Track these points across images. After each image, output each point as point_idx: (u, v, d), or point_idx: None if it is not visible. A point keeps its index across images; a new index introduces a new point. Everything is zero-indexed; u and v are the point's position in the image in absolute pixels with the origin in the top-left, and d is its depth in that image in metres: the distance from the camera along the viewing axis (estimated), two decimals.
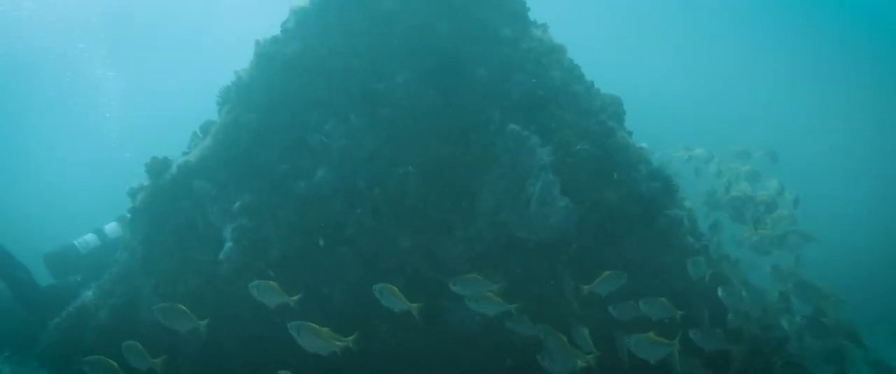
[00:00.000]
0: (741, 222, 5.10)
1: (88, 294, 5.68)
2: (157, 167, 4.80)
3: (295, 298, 4.15)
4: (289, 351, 4.83)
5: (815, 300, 4.93)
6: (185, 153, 5.05)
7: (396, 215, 4.78)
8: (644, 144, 5.17)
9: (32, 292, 5.76)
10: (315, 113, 4.70)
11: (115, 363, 4.06)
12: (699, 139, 7.57)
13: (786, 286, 5.10)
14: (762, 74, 21.80)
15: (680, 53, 23.25)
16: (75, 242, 6.38)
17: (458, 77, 4.75)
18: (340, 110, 4.68)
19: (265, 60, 4.73)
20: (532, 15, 5.13)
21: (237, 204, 4.55)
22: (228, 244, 4.49)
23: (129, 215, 5.10)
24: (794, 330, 5.00)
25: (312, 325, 4.03)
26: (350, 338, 4.07)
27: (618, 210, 4.53)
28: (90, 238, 6.39)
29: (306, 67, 4.70)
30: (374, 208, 4.76)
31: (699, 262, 4.49)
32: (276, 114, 4.73)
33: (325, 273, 4.84)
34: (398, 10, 4.67)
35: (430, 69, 4.75)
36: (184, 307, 4.05)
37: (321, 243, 4.74)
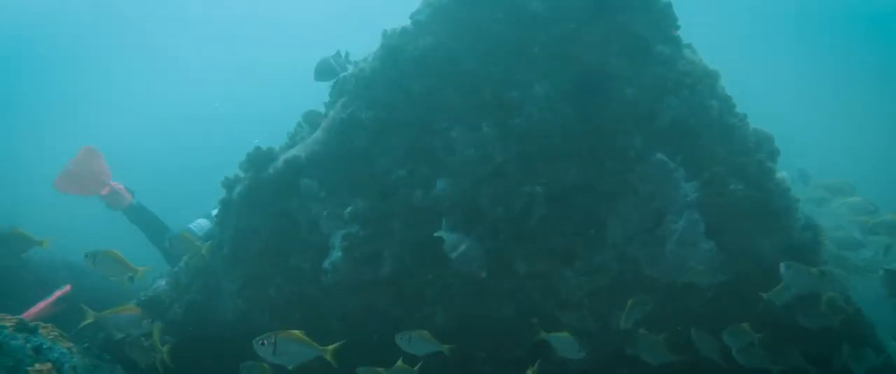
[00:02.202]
0: None
1: (161, 283, 5.29)
2: (260, 159, 4.36)
3: None
4: None
5: None
6: (287, 144, 4.62)
7: (516, 238, 4.36)
8: None
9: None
10: (441, 117, 4.26)
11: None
12: None
13: None
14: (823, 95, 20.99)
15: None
16: (190, 226, 6.18)
17: (602, 94, 4.30)
18: (470, 117, 4.23)
19: (391, 54, 4.27)
20: None
21: (348, 210, 4.12)
22: (337, 254, 4.06)
23: (220, 206, 4.69)
24: None
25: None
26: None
27: (769, 261, 4.08)
28: (203, 222, 6.18)
29: (437, 66, 4.24)
30: (493, 228, 4.33)
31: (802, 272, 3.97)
32: (398, 114, 4.28)
33: (430, 291, 4.43)
34: (546, 15, 4.20)
35: (571, 82, 4.30)
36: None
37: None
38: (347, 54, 5.22)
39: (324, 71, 5.12)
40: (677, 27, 4.52)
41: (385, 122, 4.26)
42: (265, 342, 3.33)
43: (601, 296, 4.40)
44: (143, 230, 6.82)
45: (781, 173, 4.28)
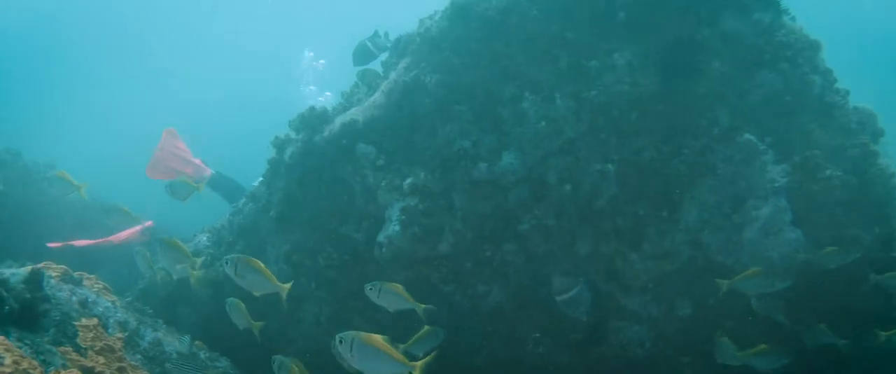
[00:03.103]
0: None
1: (202, 238, 5.15)
2: (315, 120, 4.10)
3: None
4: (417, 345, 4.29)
5: None
6: (342, 105, 4.33)
7: (581, 217, 4.09)
8: None
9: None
10: (511, 85, 3.93)
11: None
12: None
13: None
14: None
15: None
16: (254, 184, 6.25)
17: (687, 66, 3.92)
18: (543, 87, 3.90)
19: (460, 13, 3.92)
20: None
21: (408, 181, 3.86)
22: (394, 228, 3.83)
23: (268, 166, 4.48)
24: None
25: None
26: None
27: (865, 254, 3.76)
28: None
29: (509, 29, 3.89)
30: (558, 206, 4.06)
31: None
32: (465, 79, 3.96)
33: (487, 269, 4.21)
34: None
35: (654, 52, 3.92)
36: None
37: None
38: (387, 35, 4.95)
39: (362, 55, 4.89)
40: None
41: (450, 87, 3.95)
42: (230, 261, 3.27)
43: (667, 282, 4.14)
44: (225, 196, 7.01)
45: (884, 158, 3.90)
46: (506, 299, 4.27)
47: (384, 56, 4.67)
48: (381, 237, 3.91)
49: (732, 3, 3.85)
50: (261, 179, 4.72)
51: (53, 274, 3.73)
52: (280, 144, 4.30)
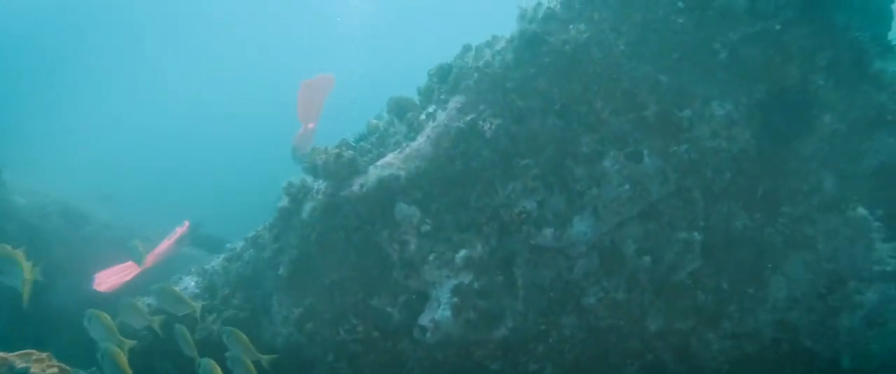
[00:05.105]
0: None
1: (190, 284, 4.31)
2: (343, 170, 3.29)
3: None
4: None
5: None
6: (376, 147, 3.52)
7: (656, 291, 3.48)
8: None
9: None
10: (588, 137, 3.22)
11: None
12: None
13: None
14: None
15: None
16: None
17: (794, 120, 3.30)
18: (627, 140, 3.21)
19: (530, 45, 3.16)
20: None
21: (461, 254, 3.13)
22: (445, 312, 3.11)
23: (277, 214, 3.65)
24: None
25: None
26: None
27: None
28: None
29: (589, 66, 3.17)
30: (632, 278, 3.43)
31: None
32: (532, 127, 3.23)
33: (541, 345, 3.56)
34: (741, 10, 3.12)
35: (759, 102, 3.28)
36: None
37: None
38: None
39: None
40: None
41: (514, 136, 3.21)
42: None
43: (747, 365, 3.60)
44: None
45: None
46: None
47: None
48: (425, 321, 3.19)
49: (855, 46, 3.23)
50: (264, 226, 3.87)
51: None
52: (295, 194, 3.48)
